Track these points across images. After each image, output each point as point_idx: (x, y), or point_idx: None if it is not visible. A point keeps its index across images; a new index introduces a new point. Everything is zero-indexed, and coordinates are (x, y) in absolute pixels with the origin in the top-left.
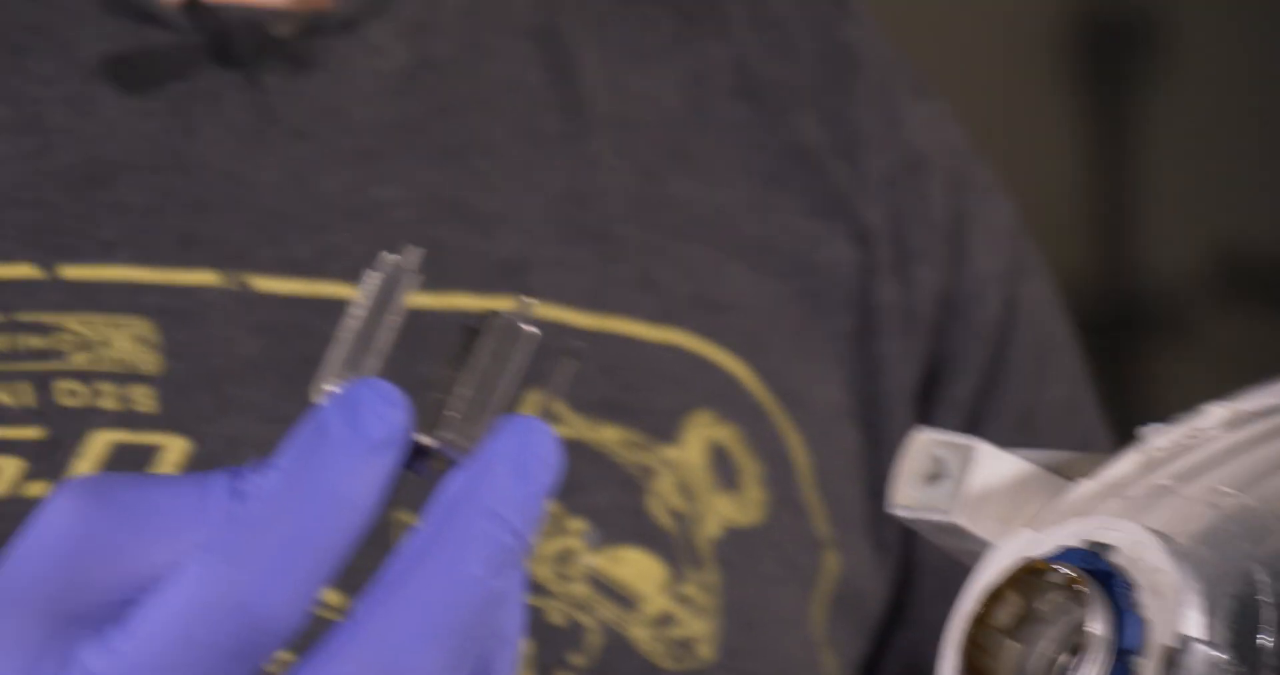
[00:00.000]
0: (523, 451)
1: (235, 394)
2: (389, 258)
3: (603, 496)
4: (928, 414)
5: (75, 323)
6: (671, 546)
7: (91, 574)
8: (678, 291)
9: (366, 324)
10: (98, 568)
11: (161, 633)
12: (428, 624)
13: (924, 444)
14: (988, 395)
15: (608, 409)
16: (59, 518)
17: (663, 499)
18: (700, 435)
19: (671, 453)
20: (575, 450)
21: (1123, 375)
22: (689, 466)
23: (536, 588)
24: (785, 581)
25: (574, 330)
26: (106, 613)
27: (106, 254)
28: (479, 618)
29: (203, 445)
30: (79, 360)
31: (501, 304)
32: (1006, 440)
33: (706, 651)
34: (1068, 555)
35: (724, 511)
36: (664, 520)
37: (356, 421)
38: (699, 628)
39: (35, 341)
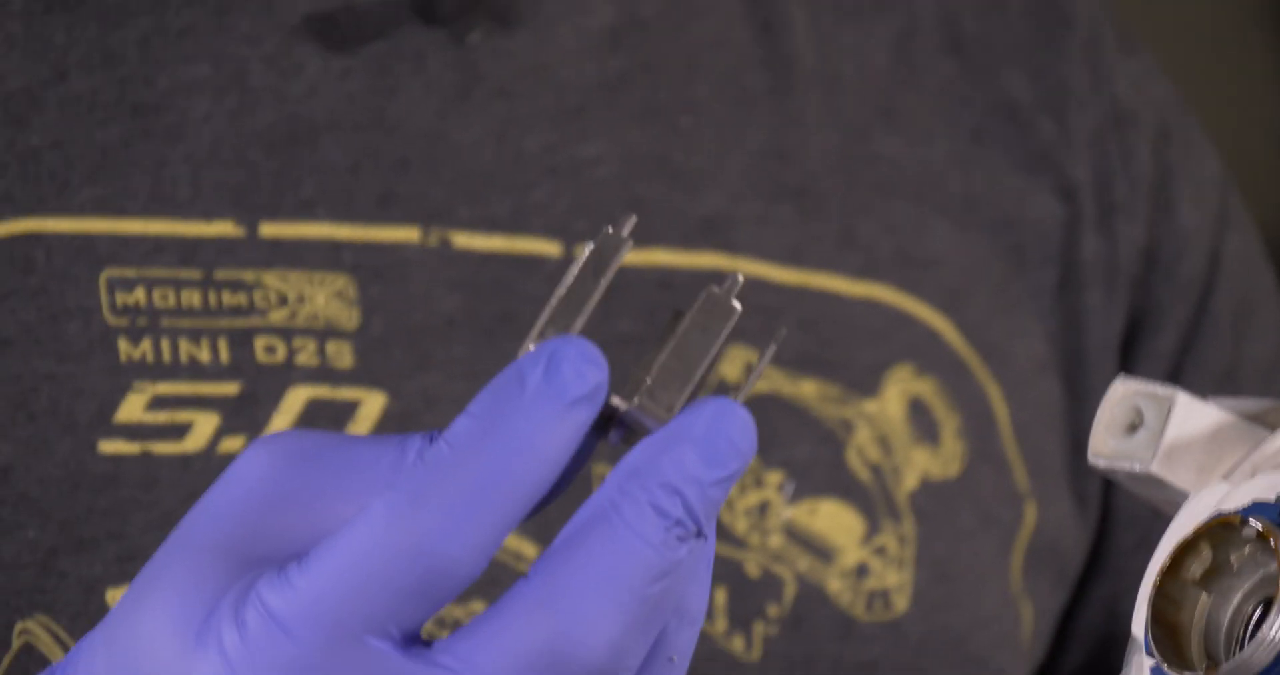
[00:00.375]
0: (714, 433)
1: (432, 350)
2: (608, 230)
3: (801, 450)
4: (1129, 367)
5: (274, 279)
6: (869, 499)
7: (280, 521)
8: (879, 247)
9: (576, 287)
10: (287, 516)
11: (340, 571)
12: (600, 585)
13: (1124, 394)
14: (1189, 350)
15: (807, 364)
16: (253, 467)
17: (861, 452)
18: (900, 389)
19: (871, 406)
20: (774, 404)
21: None
22: (888, 420)
23: (733, 540)
24: (983, 534)
25: (774, 286)
26: (291, 556)
27: (306, 212)
28: (651, 589)
29: (399, 401)
30: (277, 317)
31: (705, 260)
32: (1209, 394)
33: (902, 603)
34: (1261, 508)
35: (922, 464)
36: (862, 473)
37: (555, 375)
38: (895, 579)
39: (234, 298)
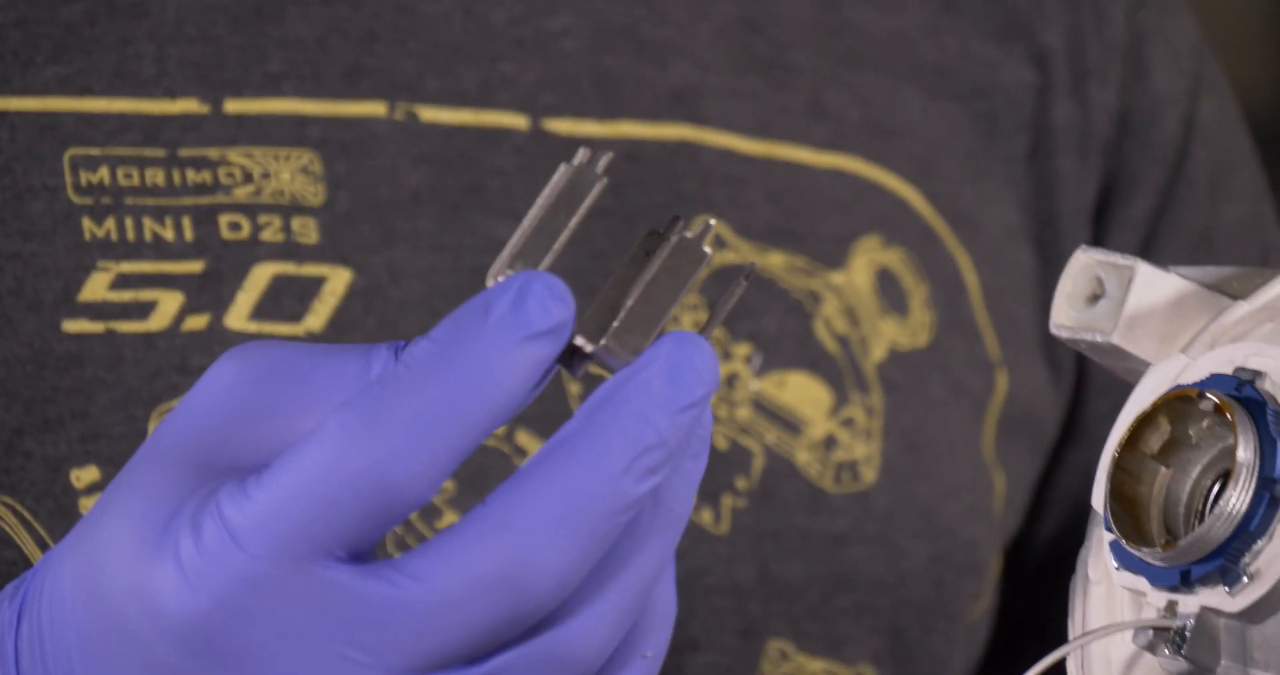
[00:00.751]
0: (678, 361)
1: (399, 224)
2: (581, 153)
3: (769, 322)
4: (1103, 233)
5: (239, 156)
6: (837, 371)
7: (247, 432)
8: (848, 118)
9: (546, 218)
10: (254, 427)
11: (294, 487)
12: (557, 513)
13: (1085, 264)
14: (1164, 214)
15: (774, 235)
16: (222, 378)
17: (829, 324)
18: (868, 259)
19: (838, 277)
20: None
21: None
22: (856, 291)
23: None
24: (953, 404)
25: (742, 157)
26: (254, 468)
27: (272, 87)
28: (608, 523)
29: (365, 276)
30: (242, 193)
31: (672, 131)
32: (1184, 259)
33: (870, 474)
34: (1217, 382)
35: (891, 335)
36: (830, 345)
37: (520, 308)
38: (863, 451)
39: (198, 176)
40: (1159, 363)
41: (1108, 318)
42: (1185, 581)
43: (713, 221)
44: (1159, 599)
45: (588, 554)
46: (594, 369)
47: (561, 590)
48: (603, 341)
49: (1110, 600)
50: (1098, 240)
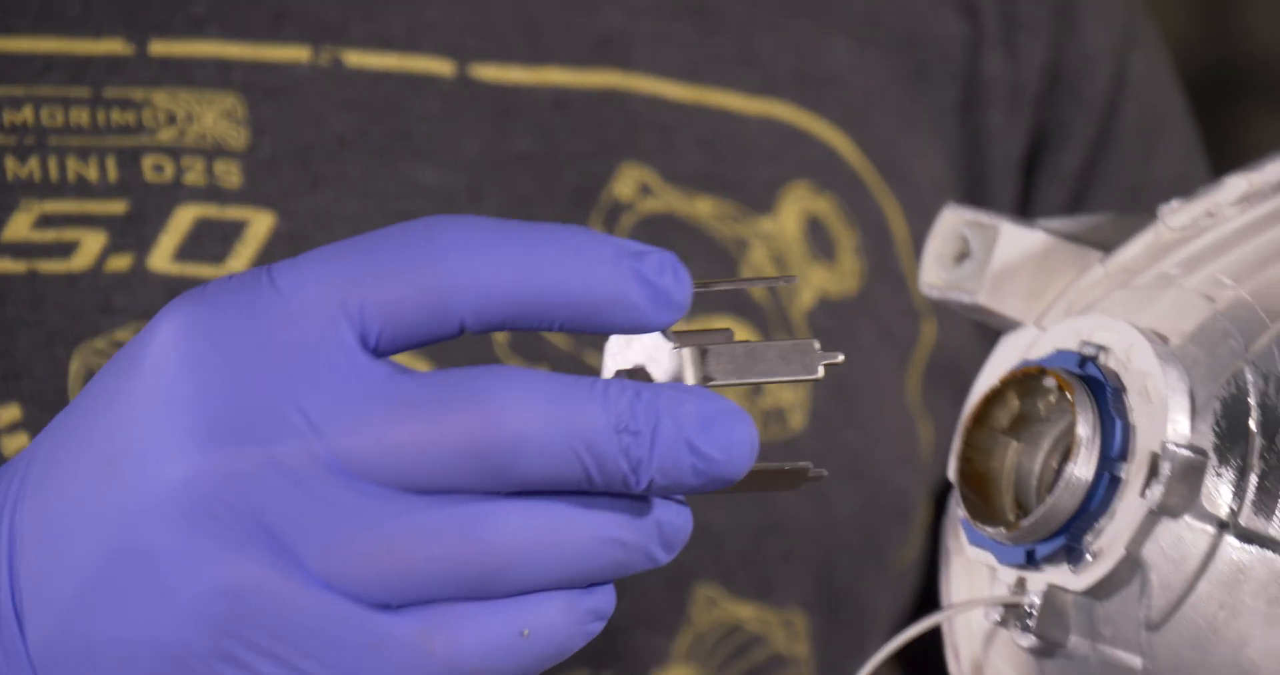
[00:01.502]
0: (728, 437)
1: (323, 169)
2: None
3: (696, 268)
4: (1033, 187)
5: (163, 98)
6: (764, 317)
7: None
8: (778, 65)
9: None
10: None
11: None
12: (539, 404)
13: (950, 223)
14: (1095, 168)
15: (703, 181)
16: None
17: (756, 270)
18: (796, 207)
19: (767, 224)
20: (669, 223)
21: (1226, 143)
22: (784, 238)
23: None
24: (880, 351)
25: (671, 104)
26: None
27: (196, 29)
28: (578, 437)
29: (289, 220)
30: (166, 135)
31: (600, 79)
32: (1115, 210)
33: (798, 421)
34: (1061, 358)
35: (819, 282)
36: (757, 292)
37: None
38: (791, 397)
39: (122, 117)
40: (1008, 336)
41: (974, 277)
42: (1031, 560)
43: (840, 357)
44: (1009, 575)
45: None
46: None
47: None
48: (687, 351)
49: (971, 571)
50: (1027, 193)
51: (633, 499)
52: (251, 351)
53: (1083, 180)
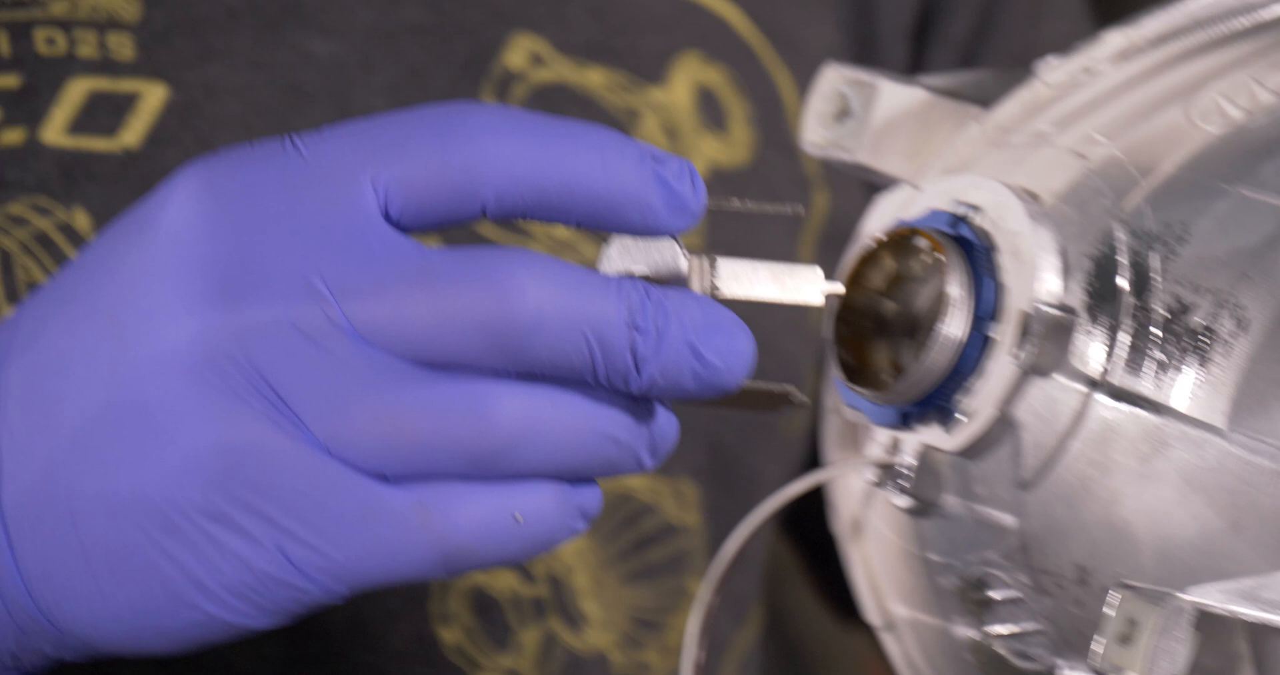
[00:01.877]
0: (727, 345)
1: (215, 41)
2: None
3: None
4: (923, 53)
5: None
6: None
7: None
8: None
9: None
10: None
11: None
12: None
13: (830, 81)
14: (983, 33)
15: (594, 51)
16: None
17: (648, 140)
18: (688, 77)
19: (658, 94)
20: (561, 93)
21: (1114, 5)
22: (676, 108)
23: (516, 229)
24: (772, 221)
25: None
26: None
27: None
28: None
29: (181, 92)
30: (58, 9)
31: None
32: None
33: None
34: (934, 218)
35: (710, 153)
36: None
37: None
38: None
39: None
40: (883, 195)
41: (854, 135)
42: (904, 421)
43: (841, 288)
44: (884, 436)
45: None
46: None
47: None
48: (695, 262)
49: (847, 432)
50: (916, 60)
51: (630, 401)
52: (272, 214)
53: (972, 46)
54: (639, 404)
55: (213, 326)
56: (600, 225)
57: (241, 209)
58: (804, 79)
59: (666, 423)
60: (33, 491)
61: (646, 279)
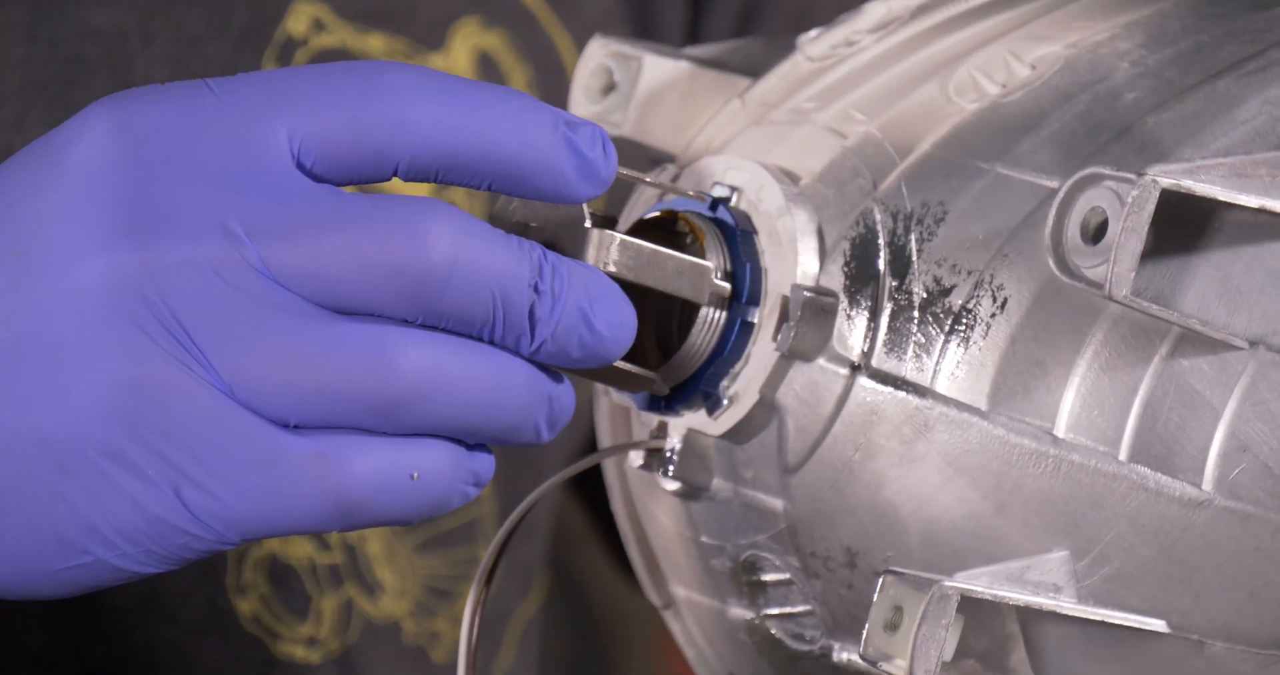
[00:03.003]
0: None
1: None
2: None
3: None
4: (702, 14)
5: None
6: None
7: None
8: None
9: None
10: None
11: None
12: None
13: (595, 55)
14: None
15: (373, 18)
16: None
17: None
18: (467, 43)
19: (438, 61)
20: (341, 59)
21: None
22: (456, 73)
23: None
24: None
25: None
26: None
27: None
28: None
29: None
30: None
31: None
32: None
33: None
34: (694, 201)
35: None
36: None
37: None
38: None
39: None
40: (645, 175)
41: (619, 109)
42: (669, 405)
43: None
44: (650, 419)
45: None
46: None
47: None
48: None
49: (618, 409)
50: (695, 22)
51: (532, 368)
52: (185, 153)
53: (750, 7)
54: (541, 372)
55: (123, 263)
56: (513, 191)
57: (154, 147)
58: (584, 42)
59: (565, 394)
60: None
61: (546, 243)
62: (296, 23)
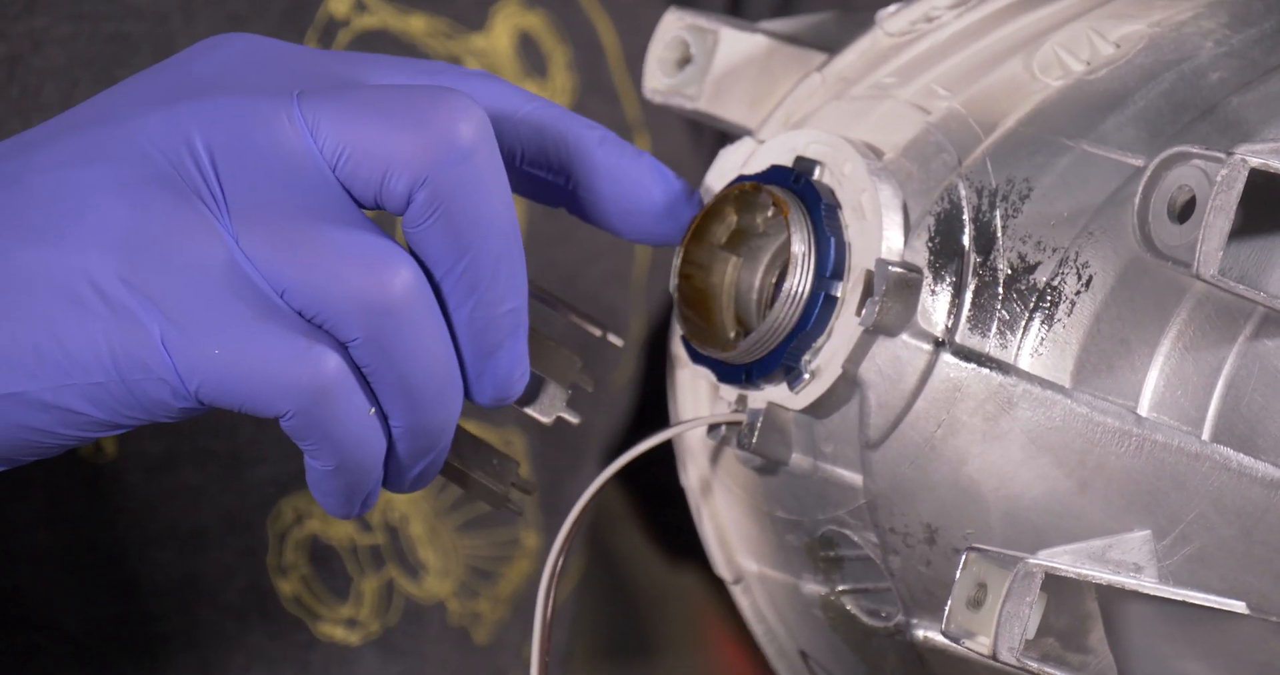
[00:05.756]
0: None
1: None
2: None
3: None
4: None
5: None
6: None
7: None
8: None
9: None
10: None
11: None
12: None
13: (671, 27)
14: None
15: None
16: None
17: None
18: (508, 23)
19: (479, 41)
20: (384, 39)
21: None
22: (497, 54)
23: None
24: None
25: None
26: None
27: None
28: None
29: (6, 44)
30: None
31: None
32: (825, 9)
33: None
34: (776, 173)
35: None
36: None
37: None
38: None
39: None
40: (727, 149)
41: (695, 83)
42: (750, 379)
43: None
44: (730, 393)
45: None
46: None
47: None
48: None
49: (696, 387)
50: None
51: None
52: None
53: None
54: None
55: (178, 113)
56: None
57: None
58: (623, 23)
59: (510, 363)
60: None
61: None
62: (338, 3)
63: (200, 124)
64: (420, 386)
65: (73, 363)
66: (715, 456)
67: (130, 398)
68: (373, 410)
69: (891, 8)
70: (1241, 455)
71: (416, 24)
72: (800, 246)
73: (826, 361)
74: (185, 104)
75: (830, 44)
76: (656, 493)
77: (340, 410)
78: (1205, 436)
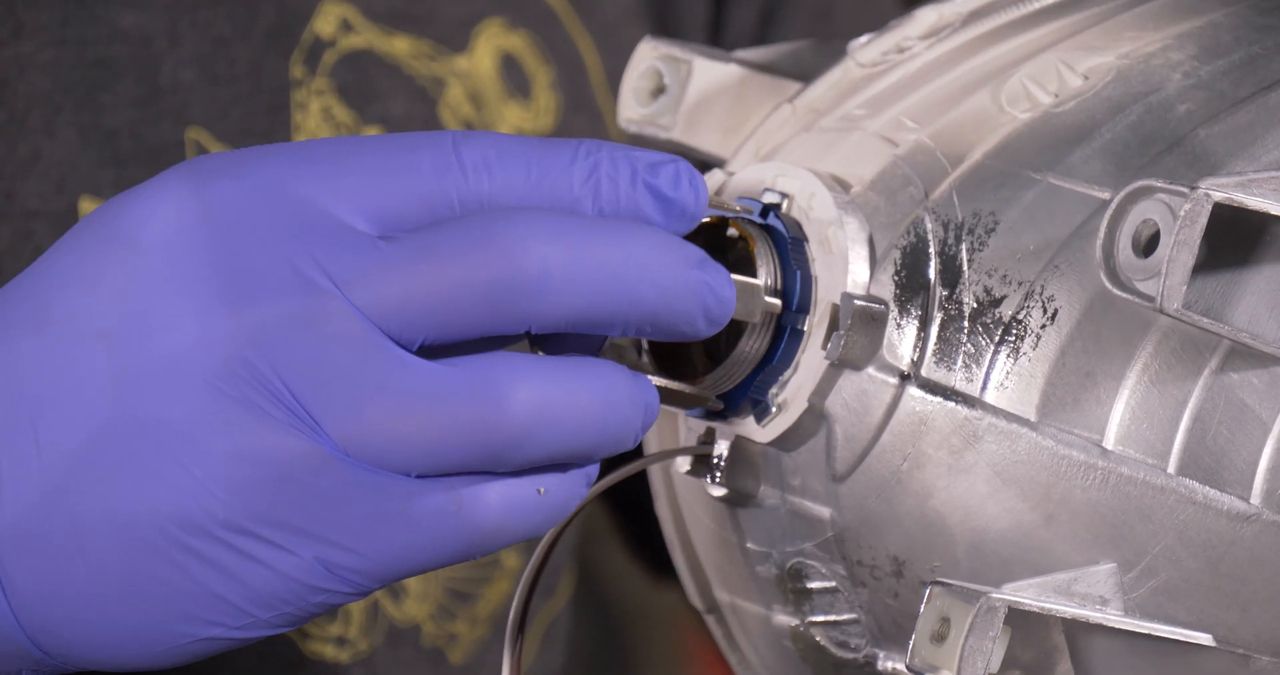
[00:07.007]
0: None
1: (25, 18)
2: None
3: (396, 106)
4: (724, 10)
5: None
6: None
7: None
8: None
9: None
10: None
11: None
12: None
13: (645, 57)
14: None
15: (399, 19)
16: None
17: (454, 109)
18: (490, 44)
19: (462, 62)
20: (369, 60)
21: None
22: (480, 76)
23: None
24: None
25: None
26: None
27: None
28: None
29: None
30: None
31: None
32: (804, 34)
33: None
34: (745, 206)
35: (515, 121)
36: (455, 128)
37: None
38: None
39: None
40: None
41: (668, 113)
42: (717, 413)
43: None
44: (698, 425)
45: None
46: None
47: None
48: None
49: (664, 419)
50: (717, 17)
51: (633, 377)
52: (262, 220)
53: (771, 1)
54: (638, 379)
55: (222, 332)
56: (642, 334)
57: (229, 216)
58: (605, 42)
59: (655, 398)
60: (28, 516)
61: None
62: (325, 23)
63: (249, 341)
64: (583, 454)
65: (237, 612)
66: (686, 488)
67: (314, 609)
68: (541, 490)
69: (864, 38)
70: (1207, 488)
71: (400, 45)
72: (767, 280)
73: (793, 395)
74: (218, 318)
75: (805, 72)
76: (639, 511)
77: (513, 524)
78: (1171, 469)
